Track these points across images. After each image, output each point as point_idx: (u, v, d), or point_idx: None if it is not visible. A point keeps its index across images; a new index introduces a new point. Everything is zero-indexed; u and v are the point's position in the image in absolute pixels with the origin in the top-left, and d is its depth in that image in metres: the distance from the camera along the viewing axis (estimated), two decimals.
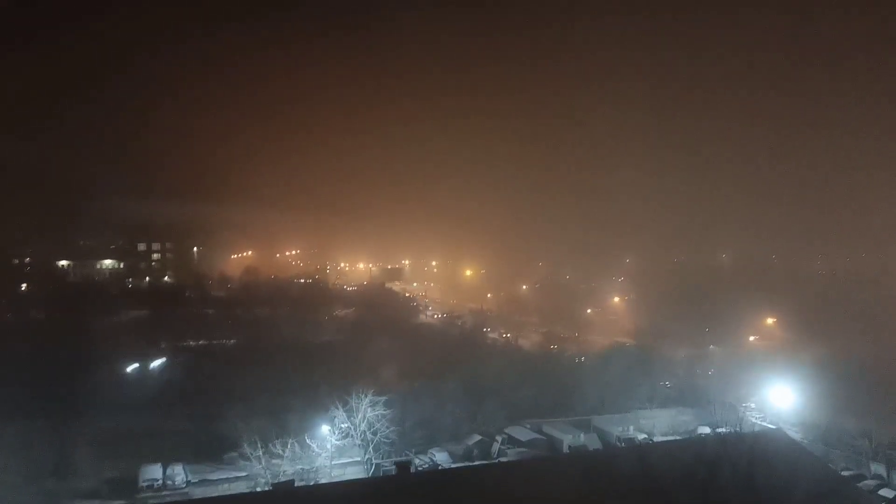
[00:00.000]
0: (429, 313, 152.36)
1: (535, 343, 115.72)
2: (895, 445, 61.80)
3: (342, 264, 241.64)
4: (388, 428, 54.97)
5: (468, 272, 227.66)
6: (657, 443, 62.24)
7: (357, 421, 54.92)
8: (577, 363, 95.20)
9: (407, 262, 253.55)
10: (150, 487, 52.45)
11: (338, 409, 55.17)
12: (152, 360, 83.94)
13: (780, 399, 70.81)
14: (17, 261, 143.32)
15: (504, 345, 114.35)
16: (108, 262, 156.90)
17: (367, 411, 55.04)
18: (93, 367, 70.21)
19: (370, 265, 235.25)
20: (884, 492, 54.26)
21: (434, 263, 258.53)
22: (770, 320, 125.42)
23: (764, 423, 68.69)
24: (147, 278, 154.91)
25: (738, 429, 64.52)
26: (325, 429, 56.61)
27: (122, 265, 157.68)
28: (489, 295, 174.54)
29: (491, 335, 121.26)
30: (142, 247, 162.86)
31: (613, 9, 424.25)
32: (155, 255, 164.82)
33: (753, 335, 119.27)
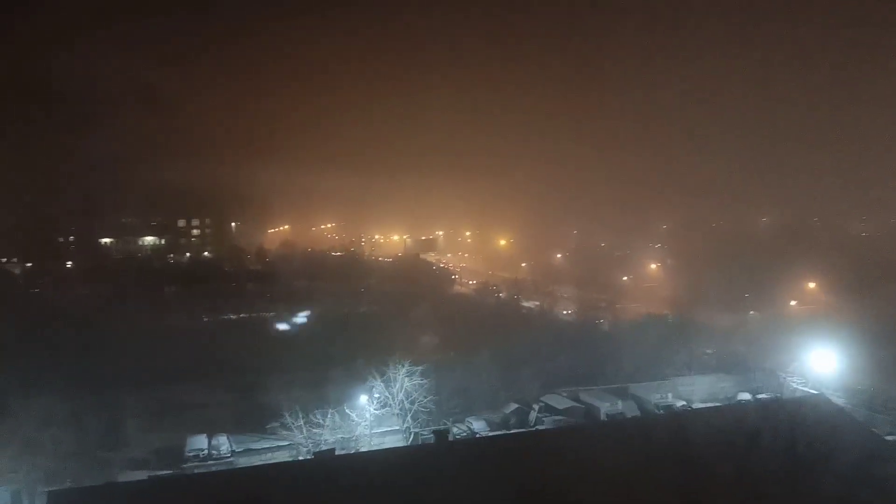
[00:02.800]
0: (464, 283, 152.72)
1: (571, 311, 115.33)
2: None
3: (376, 236, 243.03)
4: (425, 397, 55.40)
5: (502, 242, 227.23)
6: (696, 409, 61.88)
7: (395, 391, 55.48)
8: (614, 331, 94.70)
9: (441, 233, 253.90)
10: (196, 457, 53.85)
11: (376, 379, 55.82)
12: (195, 334, 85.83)
13: (822, 364, 69.63)
14: (61, 239, 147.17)
15: (539, 313, 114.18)
16: (149, 239, 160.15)
17: (405, 381, 55.53)
18: (138, 341, 71.99)
19: (404, 237, 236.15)
20: None
21: (468, 234, 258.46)
22: (811, 284, 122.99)
23: (805, 389, 67.73)
24: (187, 254, 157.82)
25: (779, 395, 63.77)
26: (363, 399, 57.37)
27: (163, 241, 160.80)
28: (523, 264, 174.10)
29: (526, 304, 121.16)
30: (181, 223, 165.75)
31: None
32: (195, 231, 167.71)
33: (794, 300, 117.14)
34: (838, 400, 58.10)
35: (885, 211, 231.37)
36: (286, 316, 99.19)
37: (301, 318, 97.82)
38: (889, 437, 54.89)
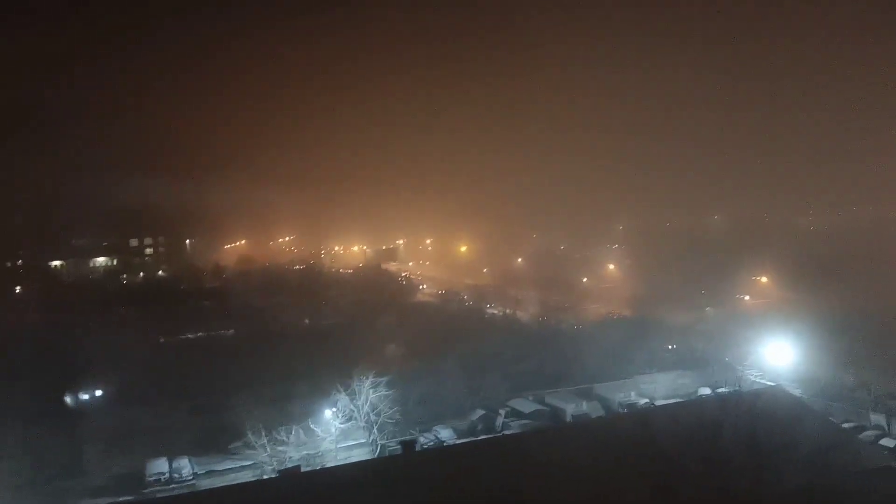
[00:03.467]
0: (426, 291, 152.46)
1: (534, 315, 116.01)
2: (894, 395, 62.46)
3: (336, 248, 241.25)
4: (391, 408, 55.15)
5: (463, 248, 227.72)
6: (659, 406, 62.73)
7: (360, 403, 55.08)
8: (576, 333, 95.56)
9: (401, 241, 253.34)
10: (157, 481, 52.62)
11: (340, 392, 55.31)
12: (151, 355, 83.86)
13: (778, 356, 71.31)
14: (9, 263, 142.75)
15: (502, 319, 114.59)
16: (101, 260, 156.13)
17: (370, 393, 55.18)
18: (91, 365, 70.06)
19: (364, 247, 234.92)
20: (884, 441, 54.91)
21: (428, 242, 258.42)
22: (763, 279, 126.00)
23: (763, 381, 69.20)
24: (141, 273, 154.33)
25: (738, 388, 64.97)
26: (328, 413, 56.80)
27: (115, 262, 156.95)
28: (485, 270, 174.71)
29: (489, 310, 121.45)
30: (134, 242, 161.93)
31: None
32: (148, 250, 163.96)
33: (747, 295, 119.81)
34: (795, 390, 59.59)
35: (831, 206, 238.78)
36: (244, 333, 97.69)
37: (260, 334, 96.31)
38: (845, 425, 56.44)
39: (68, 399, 63.04)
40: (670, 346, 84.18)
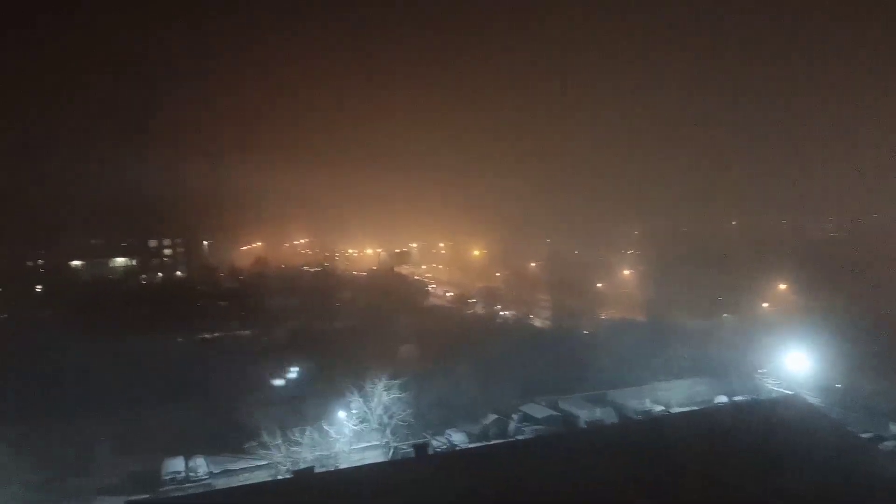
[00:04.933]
0: (439, 295, 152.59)
1: (547, 320, 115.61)
2: None
3: (350, 251, 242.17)
4: (404, 411, 55.24)
5: (476, 252, 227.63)
6: (674, 414, 62.27)
7: (373, 405, 55.22)
8: (590, 338, 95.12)
9: (415, 245, 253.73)
10: (173, 480, 52.97)
11: (353, 394, 55.45)
12: (168, 355, 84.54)
13: (795, 364, 70.53)
14: (30, 263, 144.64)
15: (515, 323, 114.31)
16: (120, 260, 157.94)
17: (383, 395, 55.29)
18: (110, 364, 70.71)
19: (378, 250, 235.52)
20: None
21: (442, 245, 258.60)
22: (782, 286, 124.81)
23: (781, 390, 68.54)
24: (159, 274, 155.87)
25: (755, 396, 64.42)
26: (341, 415, 56.95)
27: (134, 262, 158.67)
28: (498, 273, 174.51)
29: (502, 313, 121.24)
30: (153, 243, 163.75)
31: None
32: (166, 251, 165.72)
33: (766, 302, 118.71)
34: (813, 399, 58.86)
35: (851, 211, 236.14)
36: (259, 334, 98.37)
37: (275, 335, 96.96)
38: (864, 435, 55.73)
39: (84, 396, 63.47)
40: (685, 355, 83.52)
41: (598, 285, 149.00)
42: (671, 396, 72.05)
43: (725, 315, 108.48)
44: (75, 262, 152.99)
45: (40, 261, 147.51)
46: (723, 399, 69.17)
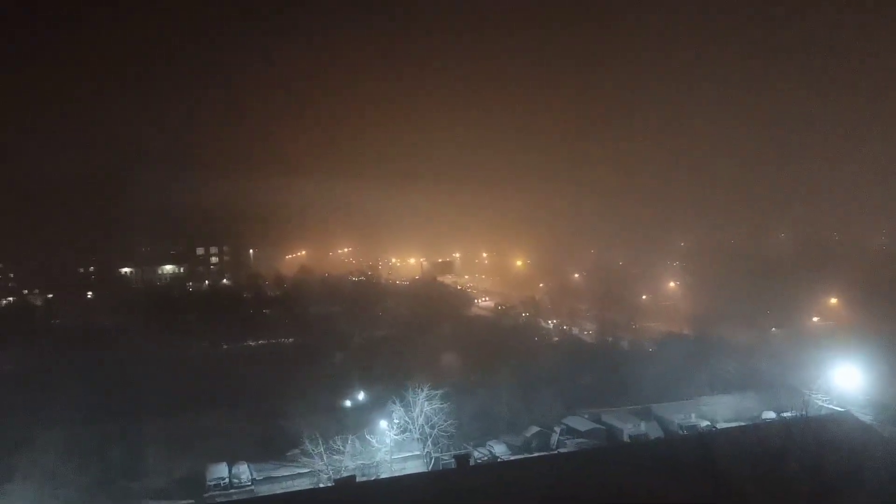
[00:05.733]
0: (481, 305, 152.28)
1: (590, 331, 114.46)
2: None
3: (393, 260, 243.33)
4: (445, 421, 55.13)
5: (519, 262, 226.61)
6: (721, 429, 60.98)
7: (415, 415, 55.27)
8: (634, 350, 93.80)
9: (458, 254, 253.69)
10: (217, 486, 53.77)
11: (395, 403, 55.62)
12: (214, 361, 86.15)
13: (847, 380, 68.32)
14: (81, 269, 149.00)
15: (558, 334, 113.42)
16: (168, 268, 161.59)
17: (425, 405, 55.32)
18: (159, 370, 72.37)
19: (421, 260, 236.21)
20: None
21: (485, 255, 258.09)
22: (832, 300, 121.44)
23: (831, 406, 66.48)
24: (206, 282, 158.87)
25: (804, 413, 62.70)
26: (383, 424, 57.16)
27: (182, 269, 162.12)
28: (541, 284, 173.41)
29: (544, 324, 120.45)
30: (200, 251, 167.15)
31: None
32: (213, 259, 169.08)
33: (815, 316, 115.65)
34: (865, 417, 57.03)
35: None
36: (304, 341, 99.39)
37: (319, 342, 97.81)
38: None
39: (132, 400, 64.97)
40: (731, 369, 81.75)
41: (643, 297, 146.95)
42: (717, 411, 70.50)
43: (774, 329, 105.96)
44: (125, 269, 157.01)
45: (91, 267, 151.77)
46: (771, 415, 67.47)
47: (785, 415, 65.09)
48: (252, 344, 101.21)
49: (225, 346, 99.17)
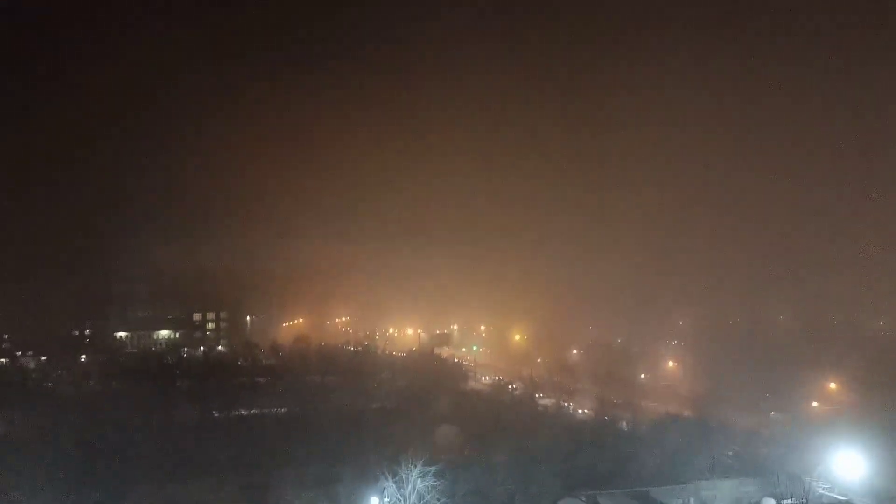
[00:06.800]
0: (478, 379, 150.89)
1: (588, 410, 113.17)
2: None
3: (391, 330, 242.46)
4: (438, 499, 53.93)
5: (517, 336, 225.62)
6: None
7: (407, 492, 54.07)
8: (632, 431, 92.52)
9: (455, 327, 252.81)
10: None
11: (387, 479, 54.53)
12: (205, 429, 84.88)
13: (849, 468, 67.22)
14: (76, 332, 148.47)
15: (555, 411, 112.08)
16: (164, 333, 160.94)
17: (417, 482, 54.20)
18: (151, 437, 71.33)
19: (419, 331, 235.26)
20: None
21: (483, 328, 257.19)
22: (832, 384, 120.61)
23: (832, 495, 65.23)
24: (201, 348, 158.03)
25: (804, 500, 61.44)
26: (374, 501, 55.89)
27: (177, 335, 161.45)
28: (539, 360, 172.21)
29: (542, 401, 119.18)
30: (197, 317, 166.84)
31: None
32: (210, 325, 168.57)
33: (816, 401, 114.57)
34: None
35: None
36: (296, 412, 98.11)
37: (312, 413, 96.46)
38: None
39: (121, 468, 63.68)
40: (730, 453, 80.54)
41: (642, 376, 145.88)
42: (716, 496, 68.92)
43: (773, 413, 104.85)
44: (121, 333, 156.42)
45: (87, 331, 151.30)
46: (771, 502, 65.97)
47: (786, 502, 63.82)
48: (244, 413, 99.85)
49: (216, 415, 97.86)
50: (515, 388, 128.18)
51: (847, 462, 67.65)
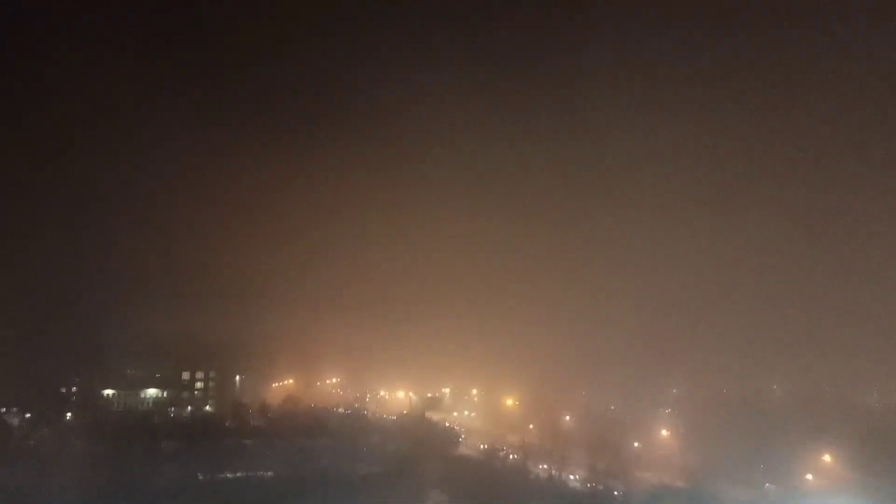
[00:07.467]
0: (469, 444, 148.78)
1: (581, 478, 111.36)
2: None
3: (382, 392, 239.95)
4: None
5: (509, 401, 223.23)
6: None
7: None
8: (626, 501, 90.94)
9: (447, 390, 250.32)
10: None
11: None
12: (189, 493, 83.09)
13: None
14: (63, 390, 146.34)
15: (547, 479, 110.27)
16: (151, 391, 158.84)
17: None
18: (133, 499, 69.76)
19: (410, 393, 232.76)
20: None
21: (474, 392, 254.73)
22: (826, 457, 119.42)
23: None
24: (189, 407, 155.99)
25: None
26: None
27: (165, 394, 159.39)
28: (531, 426, 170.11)
29: (533, 469, 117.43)
30: (185, 376, 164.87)
31: None
32: (198, 384, 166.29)
33: (810, 473, 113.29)
34: None
35: None
36: (283, 475, 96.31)
37: (299, 477, 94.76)
38: None
39: None
40: None
41: (635, 444, 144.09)
42: None
43: (768, 485, 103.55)
44: (107, 391, 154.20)
45: (73, 388, 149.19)
46: None
47: None
48: (229, 476, 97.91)
49: (201, 477, 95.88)
50: (506, 455, 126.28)
51: None
